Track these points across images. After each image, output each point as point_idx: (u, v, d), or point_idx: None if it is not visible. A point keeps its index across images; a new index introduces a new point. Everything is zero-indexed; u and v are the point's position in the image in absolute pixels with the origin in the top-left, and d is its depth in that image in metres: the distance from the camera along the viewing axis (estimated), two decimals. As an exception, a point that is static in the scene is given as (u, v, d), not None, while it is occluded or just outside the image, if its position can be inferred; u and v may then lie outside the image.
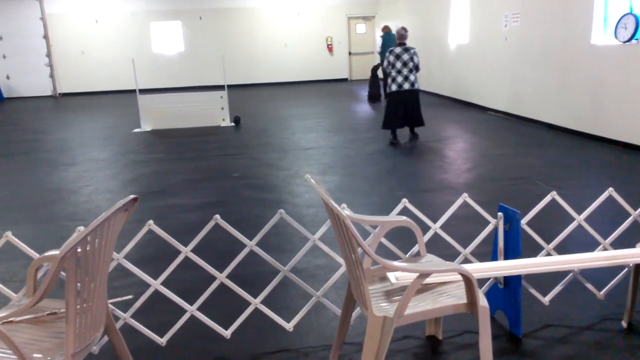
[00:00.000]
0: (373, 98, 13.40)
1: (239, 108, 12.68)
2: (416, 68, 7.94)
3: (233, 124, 10.71)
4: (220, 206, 5.36)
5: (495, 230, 2.88)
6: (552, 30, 8.70)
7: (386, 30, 13.39)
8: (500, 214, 2.83)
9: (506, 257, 2.83)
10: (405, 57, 7.82)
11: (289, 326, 2.88)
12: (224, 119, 10.80)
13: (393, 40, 12.70)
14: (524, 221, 2.86)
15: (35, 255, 2.54)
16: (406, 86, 7.90)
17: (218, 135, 9.53)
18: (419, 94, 8.20)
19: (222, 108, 10.80)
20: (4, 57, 17.78)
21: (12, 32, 17.64)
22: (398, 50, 7.88)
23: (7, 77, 17.91)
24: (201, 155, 7.85)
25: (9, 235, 2.57)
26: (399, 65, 7.84)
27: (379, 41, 13.71)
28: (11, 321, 2.26)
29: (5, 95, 17.86)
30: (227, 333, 2.82)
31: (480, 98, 11.57)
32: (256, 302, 2.84)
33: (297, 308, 3.16)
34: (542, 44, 8.99)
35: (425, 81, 14.96)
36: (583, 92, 8.04)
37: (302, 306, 3.01)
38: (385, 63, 8.02)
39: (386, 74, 8.74)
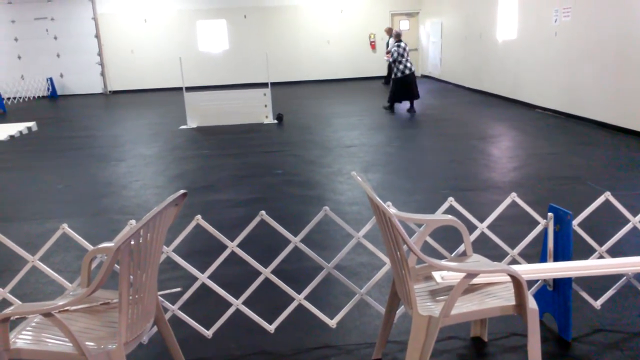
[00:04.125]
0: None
1: (282, 105, 12.79)
2: None
3: (276, 121, 10.81)
4: (263, 202, 5.43)
5: (544, 231, 2.80)
6: (605, 25, 8.38)
7: (391, 32, 15.45)
8: (550, 214, 2.75)
9: (556, 259, 2.75)
10: (408, 49, 11.10)
11: (332, 323, 2.89)
12: (267, 116, 10.91)
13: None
14: (575, 222, 2.78)
15: (89, 247, 2.64)
16: (413, 69, 11.05)
17: (261, 132, 9.64)
18: None
19: (266, 105, 10.91)
20: (58, 55, 18.51)
21: (65, 31, 18.34)
22: (403, 44, 10.99)
23: (61, 75, 18.64)
24: (245, 152, 7.96)
25: (65, 227, 2.67)
26: (406, 55, 10.96)
27: (392, 42, 14.77)
28: (67, 310, 2.36)
29: (58, 92, 18.60)
30: (271, 327, 2.86)
31: (528, 95, 11.26)
32: (300, 298, 2.87)
33: (340, 305, 3.16)
34: (595, 40, 8.67)
35: (469, 78, 14.68)
36: (638, 89, 7.71)
37: (345, 303, 3.02)
38: (396, 54, 10.93)
39: (394, 62, 11.11)
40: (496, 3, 12.57)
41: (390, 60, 11.23)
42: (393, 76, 11.12)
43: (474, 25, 14.12)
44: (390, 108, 11.39)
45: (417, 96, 11.12)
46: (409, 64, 10.91)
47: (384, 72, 19.51)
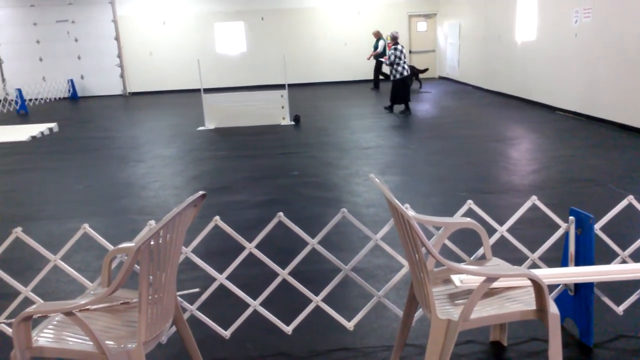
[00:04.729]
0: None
1: (299, 107, 12.81)
2: None
3: (293, 122, 10.83)
4: (280, 204, 5.44)
5: (565, 235, 2.76)
6: (627, 26, 8.24)
7: (379, 35, 16.32)
8: (572, 218, 2.71)
9: (577, 263, 2.71)
10: (405, 51, 11.34)
11: (350, 325, 2.88)
12: (284, 118, 10.94)
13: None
14: (597, 226, 2.73)
15: (109, 247, 2.67)
16: (408, 71, 11.38)
17: (278, 134, 9.66)
18: None
19: (283, 107, 10.94)
20: (79, 57, 18.77)
21: (86, 34, 18.60)
22: (400, 47, 11.23)
23: (82, 77, 18.91)
24: (262, 153, 7.99)
25: (86, 227, 2.71)
26: (403, 57, 11.21)
27: (381, 44, 16.18)
28: (87, 309, 2.39)
29: (79, 94, 18.86)
30: (288, 329, 2.86)
31: (547, 97, 11.13)
32: (317, 300, 2.87)
33: (358, 307, 3.15)
34: (616, 40, 8.54)
35: (487, 79, 14.56)
36: (661, 90, 7.57)
37: (363, 306, 3.01)
38: (393, 57, 11.23)
39: (392, 64, 11.40)
40: (515, 4, 12.45)
41: (388, 62, 11.52)
42: (392, 78, 11.43)
43: (493, 27, 14.01)
44: (391, 109, 11.70)
45: (409, 98, 11.52)
46: (406, 66, 11.28)
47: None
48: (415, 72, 15.53)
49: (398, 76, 11.27)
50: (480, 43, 14.98)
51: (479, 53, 15.14)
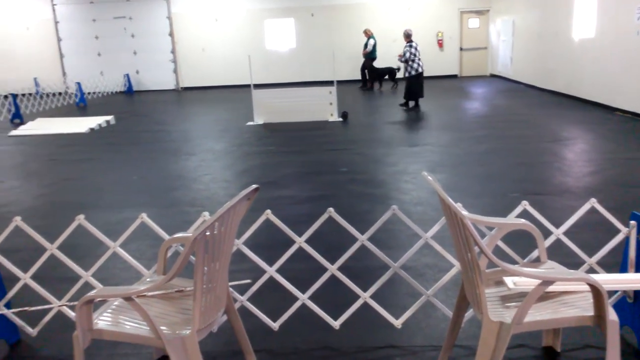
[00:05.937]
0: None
1: (347, 103, 12.80)
2: None
3: (341, 119, 10.83)
4: (328, 199, 5.46)
5: (626, 240, 2.66)
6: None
7: (369, 34, 16.43)
8: (633, 222, 2.61)
9: (638, 270, 2.61)
10: (419, 49, 11.77)
11: (397, 323, 2.87)
12: (332, 114, 10.96)
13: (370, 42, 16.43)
14: (661, 232, 2.61)
15: (165, 236, 2.76)
16: (424, 67, 11.78)
17: (326, 130, 9.69)
18: None
19: (331, 103, 10.95)
20: (135, 53, 19.39)
21: (142, 30, 19.19)
22: (414, 44, 11.71)
23: (137, 72, 19.53)
24: (310, 149, 8.03)
25: (144, 217, 2.81)
26: (418, 55, 11.62)
27: (370, 42, 16.36)
28: (144, 295, 2.48)
29: (134, 88, 19.49)
30: (336, 324, 2.88)
31: (606, 97, 10.69)
32: (366, 296, 2.87)
33: (405, 305, 3.14)
34: (684, 38, 8.10)
35: (541, 78, 14.11)
36: None
37: (410, 304, 2.99)
38: (408, 54, 11.62)
39: (407, 61, 11.73)
40: (572, 0, 12.00)
41: (403, 59, 11.76)
42: (407, 74, 11.77)
43: (549, 23, 13.56)
44: (406, 105, 11.89)
45: (422, 95, 11.83)
46: (421, 63, 11.64)
47: (451, 71, 19.13)
48: (391, 70, 16.45)
49: (413, 72, 11.62)
50: (535, 40, 14.54)
51: (533, 50, 14.69)
